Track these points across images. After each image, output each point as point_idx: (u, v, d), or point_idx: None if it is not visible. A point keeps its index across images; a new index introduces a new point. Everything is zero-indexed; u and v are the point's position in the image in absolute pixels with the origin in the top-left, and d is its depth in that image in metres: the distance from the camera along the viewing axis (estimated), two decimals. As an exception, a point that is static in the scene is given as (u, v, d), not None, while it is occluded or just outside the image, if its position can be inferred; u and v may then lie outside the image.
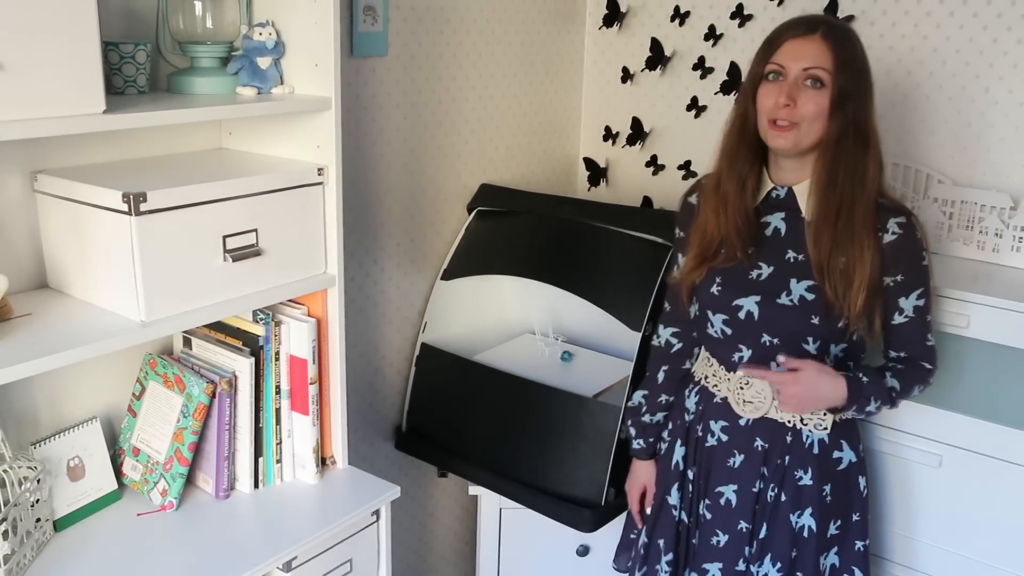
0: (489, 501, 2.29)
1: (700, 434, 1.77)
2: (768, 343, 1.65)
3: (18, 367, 1.27)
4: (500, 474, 2.13)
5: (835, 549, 1.73)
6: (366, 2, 1.99)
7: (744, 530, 1.72)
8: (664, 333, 1.87)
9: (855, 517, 1.73)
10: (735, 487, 1.72)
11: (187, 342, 1.75)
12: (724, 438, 1.73)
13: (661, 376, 1.86)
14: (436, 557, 2.59)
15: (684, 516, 1.81)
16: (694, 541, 1.79)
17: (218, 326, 1.71)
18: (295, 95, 1.66)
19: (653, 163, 2.59)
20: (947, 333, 1.83)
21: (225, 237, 1.51)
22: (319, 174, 1.64)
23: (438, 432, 2.27)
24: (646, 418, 1.88)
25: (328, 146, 1.65)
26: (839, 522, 1.72)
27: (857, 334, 1.63)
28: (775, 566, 1.69)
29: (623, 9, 2.54)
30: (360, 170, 2.09)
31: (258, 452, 1.72)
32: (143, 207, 1.37)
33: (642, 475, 1.91)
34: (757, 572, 1.72)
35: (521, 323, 2.51)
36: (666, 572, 1.82)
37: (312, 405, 1.72)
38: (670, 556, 1.82)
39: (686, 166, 2.51)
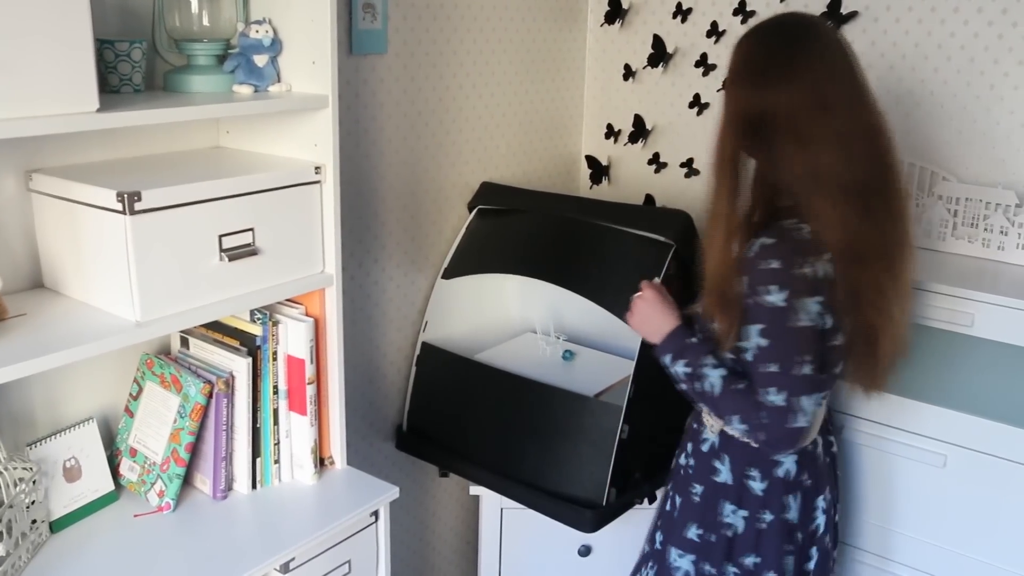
0: (490, 501, 2.28)
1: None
2: None
3: (13, 367, 1.26)
4: (501, 474, 2.12)
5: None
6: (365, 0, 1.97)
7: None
8: None
9: (691, 529, 1.73)
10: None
11: (184, 342, 1.74)
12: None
13: None
14: (437, 557, 2.58)
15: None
16: None
17: (215, 326, 1.70)
18: (292, 93, 1.64)
19: (655, 161, 2.57)
20: (952, 332, 1.81)
21: (221, 236, 1.49)
22: (316, 172, 1.63)
23: (439, 432, 2.26)
24: None
25: (326, 144, 1.64)
26: (694, 526, 1.74)
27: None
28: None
29: (625, 6, 2.52)
30: (360, 168, 2.07)
31: (256, 452, 1.71)
32: (138, 206, 1.36)
33: None
34: None
35: (522, 322, 2.49)
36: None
37: (310, 405, 1.71)
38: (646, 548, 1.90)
39: (688, 164, 2.49)
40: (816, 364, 1.51)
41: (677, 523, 1.76)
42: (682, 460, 1.80)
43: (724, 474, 1.69)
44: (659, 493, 2.03)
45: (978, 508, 1.85)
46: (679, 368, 1.64)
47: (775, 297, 1.48)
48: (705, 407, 1.67)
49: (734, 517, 1.69)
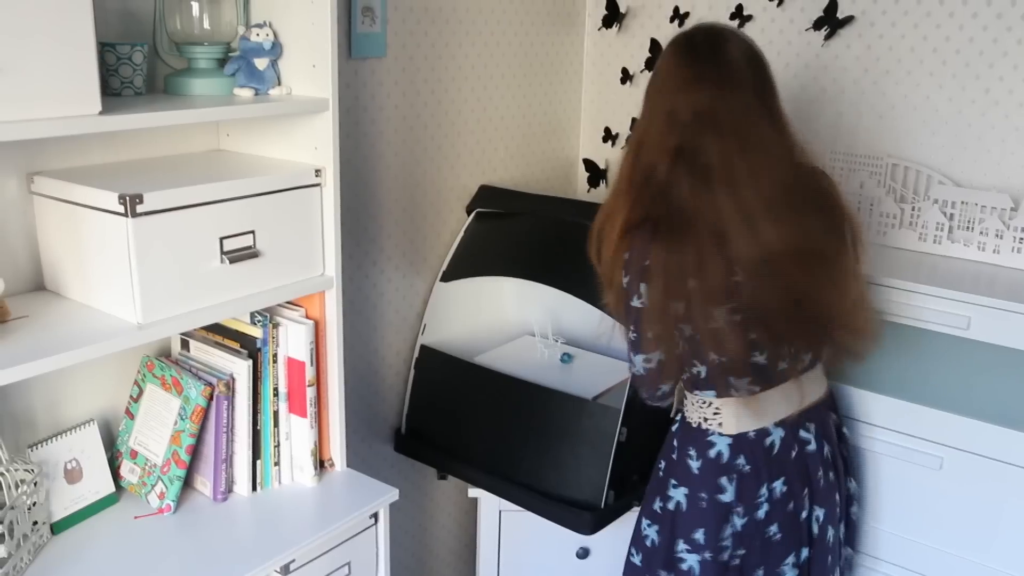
0: (489, 504, 2.28)
1: None
2: None
3: (15, 369, 1.27)
4: (500, 476, 2.12)
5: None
6: (364, 3, 1.98)
7: None
8: None
9: (656, 502, 1.82)
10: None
11: (185, 344, 1.74)
12: None
13: None
14: (436, 560, 2.59)
15: None
16: None
17: (216, 328, 1.70)
18: (292, 96, 1.65)
19: (653, 164, 2.58)
20: (948, 335, 1.82)
21: (222, 239, 1.50)
22: (317, 175, 1.64)
23: (438, 434, 2.26)
24: None
25: (326, 147, 1.64)
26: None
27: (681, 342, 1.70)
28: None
29: (622, 10, 2.54)
30: (359, 172, 2.08)
31: (256, 455, 1.71)
32: (139, 208, 1.36)
33: None
34: None
35: (520, 325, 2.50)
36: None
37: (310, 407, 1.72)
38: None
39: (686, 167, 2.50)
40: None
41: (648, 493, 1.86)
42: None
43: (674, 452, 1.80)
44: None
45: (974, 510, 1.86)
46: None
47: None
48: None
49: (676, 492, 1.78)
